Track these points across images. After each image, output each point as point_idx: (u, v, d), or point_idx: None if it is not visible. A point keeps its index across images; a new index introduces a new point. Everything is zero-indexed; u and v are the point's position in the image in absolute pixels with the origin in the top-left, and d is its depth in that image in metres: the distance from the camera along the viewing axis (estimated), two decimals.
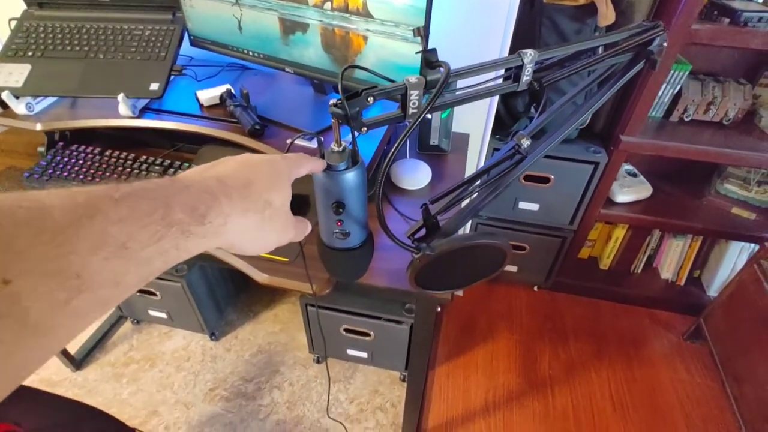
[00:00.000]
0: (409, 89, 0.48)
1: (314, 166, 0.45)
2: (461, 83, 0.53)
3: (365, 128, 0.48)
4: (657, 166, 1.51)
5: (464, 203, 0.67)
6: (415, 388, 0.99)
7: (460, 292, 1.65)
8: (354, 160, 0.49)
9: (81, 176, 0.83)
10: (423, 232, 0.64)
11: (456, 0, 0.98)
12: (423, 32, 0.48)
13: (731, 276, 1.47)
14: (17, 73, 0.87)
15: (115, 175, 0.83)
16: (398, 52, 0.72)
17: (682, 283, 1.62)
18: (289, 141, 0.83)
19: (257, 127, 0.81)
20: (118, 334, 1.46)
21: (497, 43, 1.02)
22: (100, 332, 1.43)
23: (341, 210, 0.50)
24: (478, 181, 0.67)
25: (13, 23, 0.94)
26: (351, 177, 0.48)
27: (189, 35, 0.95)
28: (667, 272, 1.62)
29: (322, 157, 0.49)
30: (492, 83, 0.56)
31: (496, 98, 1.14)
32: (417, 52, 0.47)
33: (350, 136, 0.48)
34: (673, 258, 1.57)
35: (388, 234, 0.47)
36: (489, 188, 0.65)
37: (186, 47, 1.03)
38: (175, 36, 0.92)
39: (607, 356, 1.46)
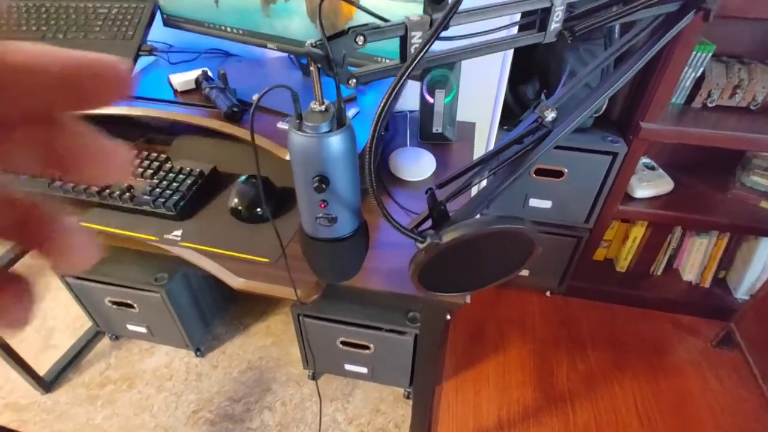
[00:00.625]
0: (409, 30, 0.37)
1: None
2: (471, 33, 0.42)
3: (353, 80, 0.37)
4: (676, 159, 1.41)
5: (476, 189, 0.56)
6: (421, 406, 0.87)
7: (467, 299, 1.52)
8: (340, 121, 0.38)
9: None
10: (429, 224, 0.53)
11: None
12: None
13: (762, 276, 1.35)
14: None
15: None
16: (395, 14, 0.62)
17: (707, 285, 1.50)
18: (280, 125, 0.72)
19: (234, 109, 0.71)
20: (95, 352, 1.34)
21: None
22: (74, 350, 1.31)
23: (324, 186, 0.38)
24: (494, 163, 0.56)
25: None
26: (336, 142, 0.37)
27: (162, 14, 0.85)
28: (689, 273, 1.50)
29: (299, 118, 0.38)
30: (506, 33, 0.45)
31: (504, 82, 1.04)
32: None
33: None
34: (696, 258, 1.46)
35: (384, 214, 0.36)
36: (508, 170, 0.55)
37: (163, 33, 0.94)
38: (145, 14, 0.82)
39: (630, 366, 1.33)
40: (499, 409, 1.21)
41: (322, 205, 0.40)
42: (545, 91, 1.14)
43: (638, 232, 1.44)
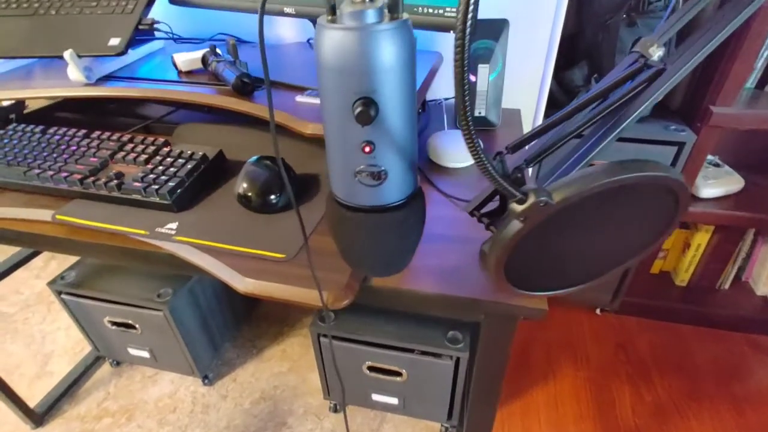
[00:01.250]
0: None
1: None
2: None
3: None
4: (743, 156, 1.24)
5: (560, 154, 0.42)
6: None
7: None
8: (393, 12, 0.25)
9: (9, 158, 0.61)
10: (495, 204, 0.40)
11: None
12: None
13: None
14: None
15: (55, 155, 0.61)
16: None
17: None
18: (299, 98, 0.60)
19: (244, 79, 0.59)
20: (93, 380, 1.20)
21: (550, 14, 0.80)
22: (71, 377, 1.18)
23: (372, 113, 0.25)
24: (590, 114, 0.42)
25: None
26: (389, 39, 0.24)
27: None
28: (764, 287, 1.31)
29: (332, 11, 0.25)
30: None
31: (551, 66, 0.91)
32: None
33: None
34: None
35: (475, 151, 0.22)
36: (602, 125, 0.41)
37: (170, 20, 0.85)
38: None
39: (707, 396, 1.13)
40: None
41: (367, 149, 0.27)
42: (596, 75, 1.01)
43: (702, 238, 1.26)
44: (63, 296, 1.05)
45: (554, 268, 0.33)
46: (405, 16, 0.26)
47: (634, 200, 0.30)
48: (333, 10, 0.25)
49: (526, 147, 0.45)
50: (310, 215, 0.53)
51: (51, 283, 1.05)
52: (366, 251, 0.34)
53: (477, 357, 0.53)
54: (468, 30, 0.21)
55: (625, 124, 0.40)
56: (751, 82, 1.05)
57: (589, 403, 1.11)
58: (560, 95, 1.03)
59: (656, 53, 0.41)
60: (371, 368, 0.95)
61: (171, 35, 0.88)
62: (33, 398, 1.12)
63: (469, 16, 0.22)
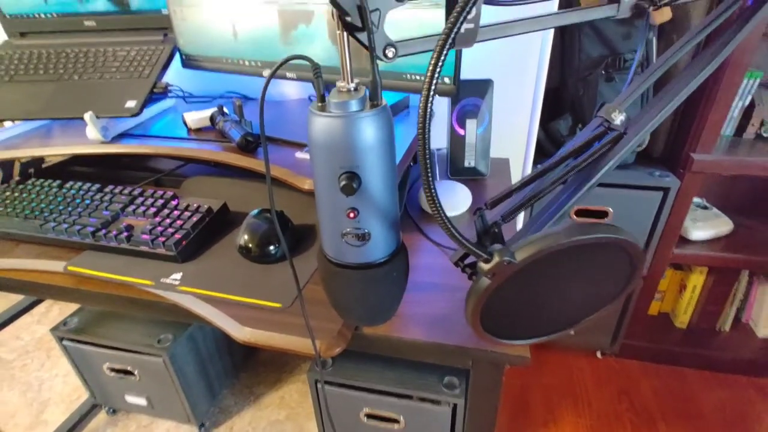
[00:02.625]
0: None
1: None
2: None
3: (392, 50, 0.29)
4: (730, 198, 1.28)
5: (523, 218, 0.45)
6: None
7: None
8: (374, 100, 0.29)
9: (27, 212, 0.65)
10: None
11: None
12: None
13: None
14: None
15: (70, 208, 0.65)
16: (426, 23, 0.56)
17: None
18: (298, 155, 0.65)
19: (248, 138, 0.64)
20: (89, 429, 1.19)
21: (533, 72, 0.88)
22: (65, 426, 1.16)
23: (354, 186, 0.29)
24: (559, 174, 0.46)
25: None
26: (370, 125, 0.28)
27: (180, 55, 0.83)
28: (765, 328, 1.30)
29: (322, 100, 0.29)
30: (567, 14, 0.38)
31: (537, 117, 0.97)
32: None
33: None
34: None
35: (444, 222, 0.25)
36: (575, 181, 0.45)
37: (182, 81, 0.93)
38: (164, 55, 0.80)
39: None
40: None
41: (351, 215, 0.30)
42: (580, 125, 1.07)
43: (697, 280, 1.28)
44: (64, 342, 1.07)
45: (529, 317, 0.36)
46: (384, 102, 0.30)
47: (596, 258, 0.33)
48: (323, 98, 0.30)
49: (513, 196, 0.49)
50: (306, 265, 0.56)
51: (53, 330, 1.07)
52: (354, 303, 0.37)
53: (468, 403, 0.54)
54: (428, 117, 0.25)
55: (591, 183, 0.44)
56: (729, 129, 1.11)
57: None
58: (547, 144, 1.09)
59: (618, 118, 0.46)
60: (369, 416, 0.94)
61: (182, 94, 0.95)
62: None
63: (429, 102, 0.26)
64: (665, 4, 0.37)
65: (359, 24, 0.26)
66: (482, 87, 0.79)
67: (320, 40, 0.65)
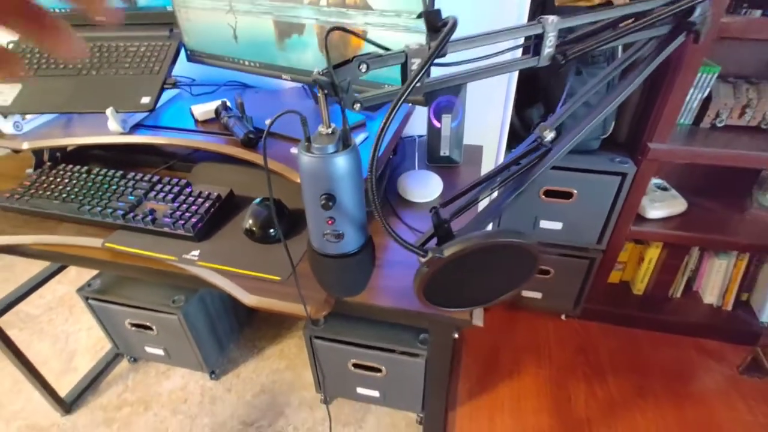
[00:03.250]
0: (409, 57, 0.40)
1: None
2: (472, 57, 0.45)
3: (358, 104, 0.40)
4: (688, 180, 1.40)
5: (481, 207, 0.58)
6: (432, 431, 0.86)
7: (480, 322, 1.51)
8: (345, 143, 0.41)
9: (64, 195, 0.77)
10: (434, 242, 0.55)
11: (465, 5, 0.93)
12: None
13: None
14: (7, 93, 0.84)
15: (100, 193, 0.77)
16: (401, 44, 0.66)
17: (729, 307, 1.45)
18: (293, 150, 0.76)
19: (251, 136, 0.75)
20: (114, 374, 1.36)
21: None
22: (94, 371, 1.34)
23: (331, 204, 0.41)
24: (498, 180, 0.58)
25: (11, 45, 0.93)
26: (341, 162, 0.40)
27: (186, 50, 0.91)
28: (710, 296, 1.46)
29: (308, 141, 0.41)
30: (507, 57, 0.48)
31: (510, 107, 1.07)
32: (418, 15, 0.40)
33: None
34: (716, 280, 1.42)
35: (386, 229, 0.38)
36: (510, 188, 0.57)
37: (187, 68, 1.01)
38: (171, 51, 0.89)
39: (653, 394, 1.28)
40: None
41: (329, 222, 0.43)
42: (551, 114, 1.16)
43: (653, 253, 1.42)
44: (90, 301, 1.21)
45: (460, 292, 0.49)
46: (353, 142, 0.42)
47: (507, 254, 0.45)
48: (309, 140, 0.41)
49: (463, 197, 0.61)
50: (300, 245, 0.69)
51: (79, 290, 1.21)
52: (334, 281, 0.50)
53: (427, 356, 0.69)
54: (374, 167, 0.37)
55: (521, 189, 0.56)
56: (688, 119, 1.21)
57: (548, 398, 1.27)
58: (522, 131, 1.19)
59: (548, 136, 0.57)
60: (356, 365, 1.10)
61: (188, 80, 1.04)
62: (61, 390, 1.27)
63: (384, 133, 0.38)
64: (573, 57, 0.48)
65: (334, 91, 0.37)
66: (457, 86, 0.89)
67: (311, 49, 0.74)
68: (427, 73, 0.39)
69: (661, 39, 0.54)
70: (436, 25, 0.40)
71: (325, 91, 0.37)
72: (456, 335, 0.68)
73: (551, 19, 0.45)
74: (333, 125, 0.41)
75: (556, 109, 0.60)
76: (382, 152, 0.75)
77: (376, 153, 0.36)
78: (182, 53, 0.91)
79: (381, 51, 0.40)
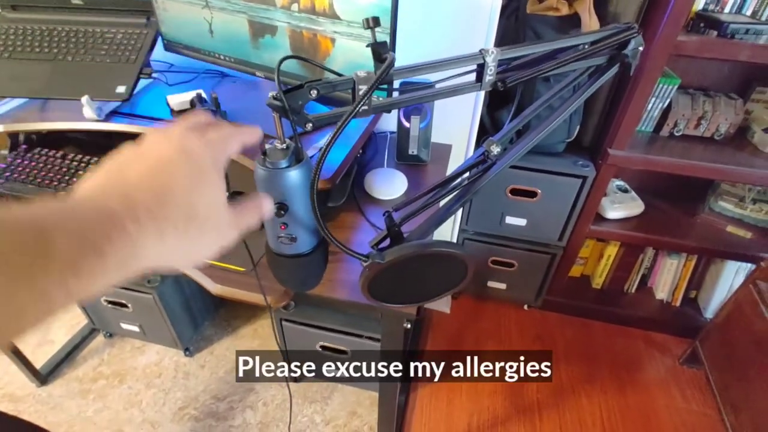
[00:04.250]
0: (357, 83, 0.45)
1: (247, 137, 0.36)
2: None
3: (310, 124, 0.44)
4: (649, 182, 1.48)
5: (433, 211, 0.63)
6: (386, 409, 0.94)
7: (446, 309, 1.59)
8: (298, 158, 0.45)
9: (38, 179, 0.79)
10: (388, 242, 0.60)
11: (434, 13, 0.96)
12: (372, 23, 0.45)
13: (728, 298, 1.41)
14: None
15: (74, 180, 0.79)
16: (366, 54, 0.69)
17: (678, 303, 1.56)
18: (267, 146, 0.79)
19: None
20: (89, 348, 1.41)
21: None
22: (70, 345, 1.38)
23: (283, 212, 0.46)
24: (449, 188, 0.63)
25: None
26: (293, 175, 0.44)
27: (163, 39, 0.93)
28: (662, 292, 1.57)
29: (264, 155, 0.45)
30: (455, 81, 0.53)
31: (479, 108, 1.12)
32: (367, 45, 0.44)
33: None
34: (667, 277, 1.52)
35: (324, 233, 0.43)
36: (457, 196, 0.62)
37: (165, 53, 1.02)
38: (147, 39, 0.90)
39: (599, 380, 1.39)
40: (469, 416, 1.26)
41: (282, 228, 0.48)
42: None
43: (612, 251, 1.51)
44: None
45: (401, 291, 0.55)
46: (305, 157, 0.46)
47: (442, 260, 0.51)
48: (264, 153, 0.45)
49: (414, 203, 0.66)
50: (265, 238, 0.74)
51: None
52: (289, 277, 0.55)
53: (381, 342, 0.75)
54: (316, 183, 0.42)
55: (465, 198, 0.61)
56: (649, 126, 1.28)
57: (503, 382, 1.36)
58: (492, 130, 1.24)
59: (495, 150, 0.62)
60: (323, 347, 1.17)
61: (167, 67, 1.05)
62: (37, 362, 1.31)
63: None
64: (511, 86, 0.52)
65: (285, 115, 0.42)
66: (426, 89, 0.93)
67: (283, 50, 0.77)
68: (370, 99, 0.44)
69: (598, 68, 0.60)
70: (382, 56, 0.44)
71: (279, 113, 0.42)
72: (408, 325, 0.75)
73: (492, 50, 0.50)
74: (288, 141, 0.45)
75: (504, 126, 0.65)
76: (345, 157, 0.79)
77: (318, 175, 0.41)
78: (159, 43, 0.93)
79: (333, 76, 0.44)
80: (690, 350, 1.40)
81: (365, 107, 0.46)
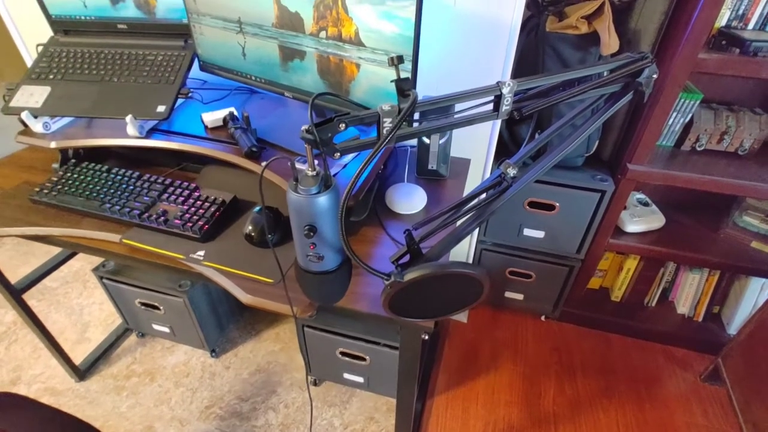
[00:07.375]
0: (382, 116, 0.49)
1: None
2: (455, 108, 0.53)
3: (338, 153, 0.49)
4: (671, 196, 1.47)
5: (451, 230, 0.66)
6: (403, 418, 0.97)
7: (464, 319, 1.61)
8: (326, 184, 0.50)
9: (87, 192, 0.86)
10: (407, 258, 0.64)
11: (456, 30, 1.00)
12: (396, 61, 0.49)
13: (752, 314, 1.39)
14: (38, 95, 0.93)
15: (119, 192, 0.86)
16: (389, 79, 0.73)
17: (700, 318, 1.54)
18: (290, 163, 0.84)
19: (254, 149, 0.84)
20: (123, 347, 1.49)
21: (498, 71, 1.03)
22: (106, 343, 1.46)
23: (312, 234, 0.50)
24: (465, 208, 0.66)
25: (40, 48, 1.01)
26: (322, 201, 0.49)
27: (199, 60, 0.99)
28: (683, 307, 1.55)
29: (296, 181, 0.49)
30: (472, 111, 0.56)
31: (498, 124, 1.14)
32: (391, 81, 0.48)
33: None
34: (689, 292, 1.50)
35: (351, 255, 0.47)
36: (473, 217, 0.65)
37: (198, 72, 1.09)
38: (185, 61, 0.97)
39: (617, 394, 1.38)
40: (485, 426, 1.28)
41: (312, 247, 0.52)
42: (539, 131, 1.23)
43: (631, 264, 1.50)
44: (104, 280, 1.33)
45: (420, 306, 0.58)
46: (333, 183, 0.50)
47: (458, 280, 0.54)
48: (296, 180, 0.50)
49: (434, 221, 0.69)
50: (293, 251, 0.78)
51: (95, 270, 1.32)
52: (316, 292, 0.59)
53: (400, 352, 0.79)
54: (343, 209, 0.46)
55: (482, 218, 0.64)
56: (670, 141, 1.27)
57: (519, 393, 1.38)
58: (511, 145, 1.26)
59: (511, 172, 0.65)
60: (343, 353, 1.21)
61: (201, 84, 1.12)
62: (75, 359, 1.40)
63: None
64: (528, 115, 0.55)
65: (317, 146, 0.46)
66: (445, 107, 0.96)
67: (311, 74, 0.82)
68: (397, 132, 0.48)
69: (613, 94, 0.62)
70: (405, 92, 0.48)
71: (310, 144, 0.46)
72: (426, 336, 0.78)
73: (509, 83, 0.53)
74: (318, 168, 0.50)
75: (521, 148, 0.68)
76: (367, 175, 0.83)
77: (345, 204, 0.45)
78: (195, 63, 0.99)
79: (359, 111, 0.48)
80: (712, 367, 1.38)
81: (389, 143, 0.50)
